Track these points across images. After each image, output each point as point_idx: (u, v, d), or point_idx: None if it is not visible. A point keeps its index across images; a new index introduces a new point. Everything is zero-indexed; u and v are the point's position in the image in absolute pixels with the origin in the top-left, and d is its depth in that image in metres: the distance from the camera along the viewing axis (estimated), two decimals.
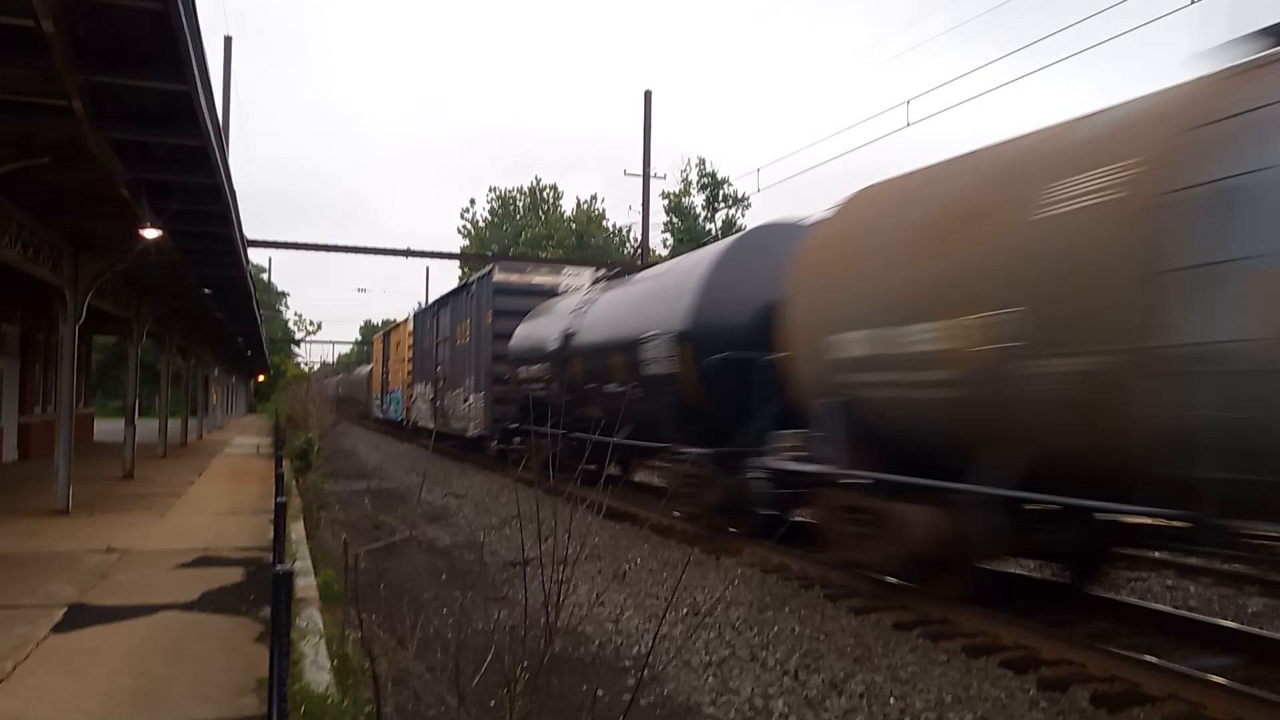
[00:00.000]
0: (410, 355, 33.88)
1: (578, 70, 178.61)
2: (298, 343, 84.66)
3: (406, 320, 37.20)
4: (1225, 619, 8.12)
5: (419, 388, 31.32)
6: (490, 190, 72.59)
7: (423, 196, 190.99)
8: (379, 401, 44.83)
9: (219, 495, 15.56)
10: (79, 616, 7.23)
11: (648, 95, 29.26)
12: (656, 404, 12.95)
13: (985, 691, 6.31)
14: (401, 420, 36.49)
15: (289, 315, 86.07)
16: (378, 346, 47.79)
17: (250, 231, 24.17)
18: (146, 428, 24.15)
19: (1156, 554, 10.58)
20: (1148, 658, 6.50)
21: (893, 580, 8.65)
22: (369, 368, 53.02)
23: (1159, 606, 8.39)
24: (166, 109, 7.86)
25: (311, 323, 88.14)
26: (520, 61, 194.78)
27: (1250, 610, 8.91)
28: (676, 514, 13.00)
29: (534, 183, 68.39)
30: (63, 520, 12.19)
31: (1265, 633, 7.47)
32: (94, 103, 7.50)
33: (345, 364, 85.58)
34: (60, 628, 6.91)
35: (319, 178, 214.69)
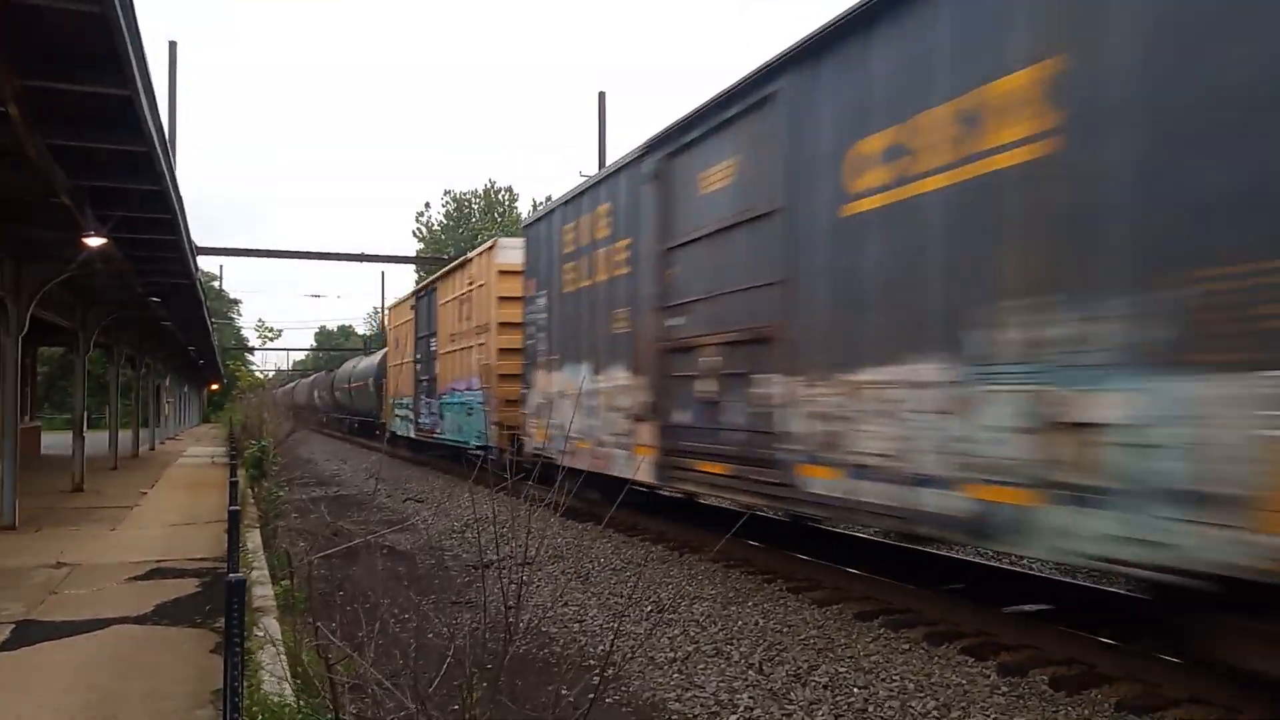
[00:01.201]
0: (514, 319, 17.20)
1: (542, 75, 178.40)
2: (252, 350, 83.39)
3: (478, 256, 19.33)
4: None
5: (563, 375, 14.35)
6: (445, 193, 72.03)
7: (379, 202, 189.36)
8: (405, 410, 26.88)
9: (173, 506, 15.27)
10: (27, 633, 7.05)
11: (602, 96, 29.84)
12: None
13: (947, 678, 6.38)
14: (480, 445, 18.13)
15: (247, 322, 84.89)
16: (398, 321, 29.93)
17: (205, 239, 23.84)
18: (97, 440, 23.64)
19: None
20: (1104, 640, 6.62)
21: None
22: (372, 359, 36.50)
23: None
24: (107, 114, 7.69)
25: (271, 330, 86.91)
26: (481, 68, 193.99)
27: None
28: None
29: (488, 185, 68.03)
30: (9, 536, 11.89)
31: None
32: (31, 107, 7.32)
33: (307, 367, 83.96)
34: (7, 645, 6.73)
35: (277, 184, 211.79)
